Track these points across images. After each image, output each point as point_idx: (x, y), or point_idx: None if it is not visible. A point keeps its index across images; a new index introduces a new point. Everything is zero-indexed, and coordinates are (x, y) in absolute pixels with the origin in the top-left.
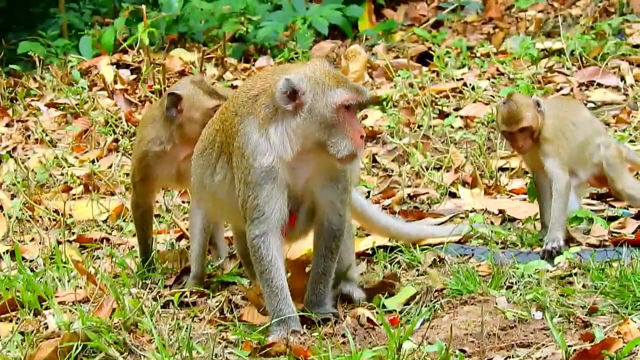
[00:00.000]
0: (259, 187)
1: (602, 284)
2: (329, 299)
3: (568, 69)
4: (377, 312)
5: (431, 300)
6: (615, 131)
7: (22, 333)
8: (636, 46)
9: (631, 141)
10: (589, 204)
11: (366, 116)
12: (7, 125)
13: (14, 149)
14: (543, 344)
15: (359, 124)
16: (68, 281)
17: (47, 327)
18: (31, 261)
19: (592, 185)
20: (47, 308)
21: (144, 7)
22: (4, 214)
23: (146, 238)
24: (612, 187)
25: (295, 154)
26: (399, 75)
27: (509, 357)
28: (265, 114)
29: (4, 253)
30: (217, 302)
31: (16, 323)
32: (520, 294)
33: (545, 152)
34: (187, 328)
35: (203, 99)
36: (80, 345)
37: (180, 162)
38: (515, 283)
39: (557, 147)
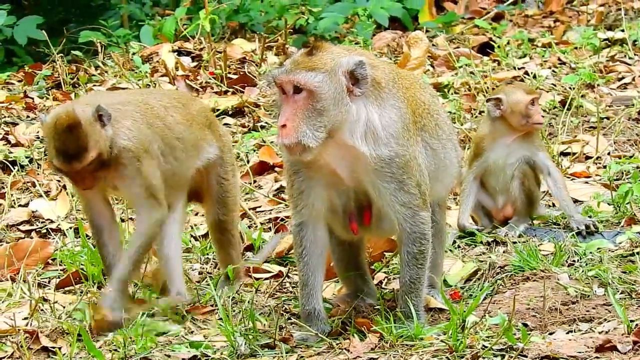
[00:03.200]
0: (291, 178)
1: None
2: (422, 312)
3: (630, 58)
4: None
5: (493, 277)
6: None
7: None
8: None
9: None
10: None
11: None
12: None
13: None
14: (605, 319)
15: (283, 112)
16: None
17: None
18: None
19: None
20: None
21: None
22: (67, 193)
23: (106, 260)
24: None
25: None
26: (461, 64)
27: (571, 331)
28: None
29: (67, 230)
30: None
31: (80, 294)
32: (582, 271)
33: None
34: (249, 300)
35: None
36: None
37: (102, 181)
38: (577, 261)
39: None
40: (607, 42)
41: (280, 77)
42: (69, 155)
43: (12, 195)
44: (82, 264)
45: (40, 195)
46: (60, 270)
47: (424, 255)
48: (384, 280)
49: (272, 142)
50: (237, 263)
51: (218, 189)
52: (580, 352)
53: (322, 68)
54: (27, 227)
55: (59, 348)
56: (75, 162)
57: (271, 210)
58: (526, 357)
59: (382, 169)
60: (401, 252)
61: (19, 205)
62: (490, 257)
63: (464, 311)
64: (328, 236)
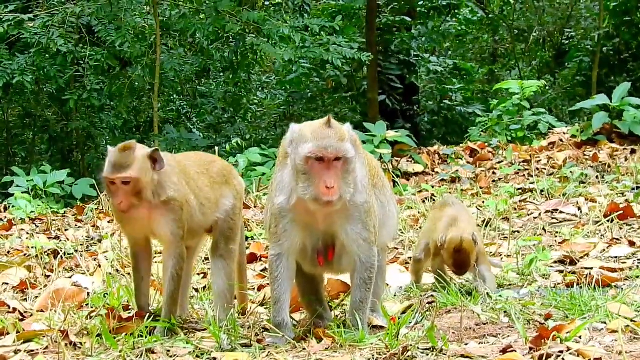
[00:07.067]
0: (277, 220)
1: (557, 300)
2: (366, 325)
3: (537, 200)
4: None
5: (422, 309)
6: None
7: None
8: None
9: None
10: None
11: None
12: (110, 222)
13: (113, 234)
14: (508, 335)
15: (329, 176)
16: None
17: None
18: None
19: None
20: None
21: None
22: (101, 270)
23: (137, 283)
24: None
25: (298, 198)
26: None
27: (481, 342)
28: (282, 157)
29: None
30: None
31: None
32: (492, 306)
33: None
34: (231, 312)
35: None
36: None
37: (145, 219)
38: (488, 300)
39: None
40: (520, 190)
41: (331, 152)
42: (115, 166)
43: (59, 271)
44: (107, 303)
45: (83, 273)
46: (91, 310)
47: (371, 280)
48: (339, 315)
49: (260, 240)
50: (227, 290)
51: (224, 225)
52: (487, 354)
53: (346, 137)
54: None
55: (84, 343)
56: (116, 172)
57: (256, 283)
58: (445, 354)
59: (353, 212)
60: (354, 278)
61: (65, 278)
62: (421, 296)
63: (399, 324)
64: (296, 268)
